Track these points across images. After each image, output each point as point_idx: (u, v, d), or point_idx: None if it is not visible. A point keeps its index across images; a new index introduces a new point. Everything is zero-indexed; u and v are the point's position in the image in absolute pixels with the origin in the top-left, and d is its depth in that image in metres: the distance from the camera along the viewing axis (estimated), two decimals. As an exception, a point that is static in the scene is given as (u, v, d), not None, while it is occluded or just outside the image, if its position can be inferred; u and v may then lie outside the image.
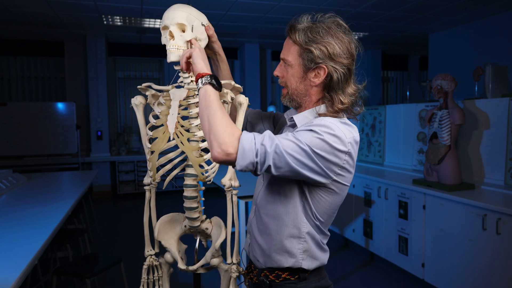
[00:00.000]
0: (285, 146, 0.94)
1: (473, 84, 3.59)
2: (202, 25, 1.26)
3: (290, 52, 1.09)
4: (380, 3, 4.74)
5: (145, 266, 1.42)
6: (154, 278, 1.43)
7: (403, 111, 3.81)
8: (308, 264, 1.12)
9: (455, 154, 2.85)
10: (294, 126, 1.16)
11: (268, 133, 0.96)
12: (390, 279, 3.22)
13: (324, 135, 0.97)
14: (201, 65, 1.07)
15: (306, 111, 1.12)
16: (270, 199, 1.13)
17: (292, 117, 1.15)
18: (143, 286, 1.42)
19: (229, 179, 1.34)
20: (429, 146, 3.00)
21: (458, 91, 3.22)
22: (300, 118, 1.12)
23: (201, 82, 1.03)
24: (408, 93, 4.80)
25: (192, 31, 1.22)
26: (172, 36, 1.21)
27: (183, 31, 1.22)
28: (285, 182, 1.08)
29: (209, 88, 1.01)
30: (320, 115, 1.08)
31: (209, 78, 1.03)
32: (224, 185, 1.34)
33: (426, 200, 2.89)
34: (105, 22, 5.52)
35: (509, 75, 3.33)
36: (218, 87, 1.04)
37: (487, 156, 2.94)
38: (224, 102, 1.35)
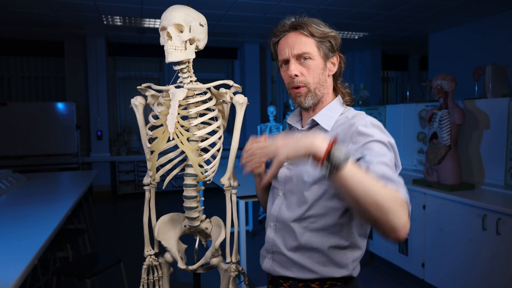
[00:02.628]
0: (397, 179, 0.89)
1: (473, 84, 3.59)
2: (200, 25, 1.26)
3: (308, 45, 1.06)
4: (380, 3, 4.74)
5: (144, 266, 1.42)
6: (154, 278, 1.43)
7: (403, 111, 3.81)
8: (357, 271, 1.07)
9: (455, 154, 2.84)
10: (312, 127, 1.12)
11: (400, 180, 0.88)
12: (390, 279, 3.22)
13: (386, 139, 0.98)
14: (299, 151, 0.81)
15: (325, 108, 1.10)
16: (317, 213, 1.03)
17: (312, 119, 1.09)
18: (143, 286, 1.42)
19: (228, 178, 1.34)
20: (429, 146, 3.00)
21: (458, 91, 3.22)
22: (323, 118, 1.08)
23: (327, 169, 0.78)
24: (408, 93, 4.80)
25: (190, 32, 1.23)
26: (170, 37, 1.21)
27: (181, 32, 1.22)
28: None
29: (344, 169, 0.77)
30: (345, 104, 1.14)
31: (333, 160, 0.77)
32: (223, 185, 1.34)
33: (426, 200, 2.89)
34: (105, 22, 5.52)
35: (509, 75, 3.33)
36: (345, 158, 0.78)
37: (487, 156, 2.93)
38: (224, 102, 1.35)
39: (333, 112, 1.10)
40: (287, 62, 1.09)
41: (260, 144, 0.94)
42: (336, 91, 1.15)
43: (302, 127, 1.17)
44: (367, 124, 0.99)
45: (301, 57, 1.07)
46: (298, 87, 1.08)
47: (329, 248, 1.03)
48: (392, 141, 1.00)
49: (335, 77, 1.14)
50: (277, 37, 1.13)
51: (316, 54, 1.07)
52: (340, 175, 0.77)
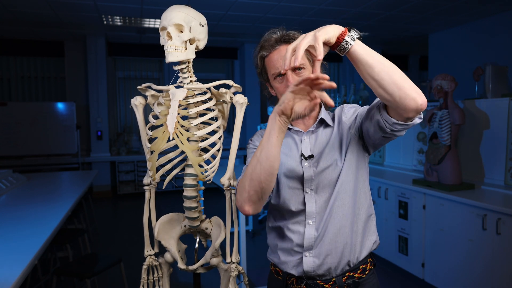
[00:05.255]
0: None
1: (473, 84, 3.59)
2: (201, 25, 1.26)
3: (301, 57, 1.13)
4: (380, 3, 4.74)
5: (144, 266, 1.42)
6: (154, 278, 1.43)
7: (403, 111, 3.80)
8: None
9: (455, 154, 2.84)
10: (320, 125, 1.20)
11: None
12: (390, 279, 3.22)
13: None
14: (330, 29, 0.89)
15: (322, 110, 1.20)
16: (347, 193, 1.14)
17: (321, 118, 1.19)
18: (143, 286, 1.42)
19: (228, 178, 1.34)
20: (429, 146, 3.00)
21: (458, 91, 3.22)
22: (326, 116, 1.20)
23: (351, 38, 0.90)
24: (408, 93, 4.78)
25: (190, 32, 1.23)
26: (170, 37, 1.21)
27: (181, 32, 1.22)
28: (360, 164, 1.17)
29: (361, 43, 0.91)
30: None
31: (355, 33, 0.90)
32: (223, 185, 1.34)
33: (426, 200, 2.89)
34: (105, 22, 5.52)
35: (509, 75, 3.33)
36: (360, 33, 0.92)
37: (487, 156, 2.93)
38: (224, 102, 1.35)
39: (327, 113, 1.22)
40: (281, 74, 1.13)
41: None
42: None
43: (304, 130, 1.20)
44: (350, 104, 1.23)
45: (296, 69, 1.12)
46: None
47: (364, 218, 1.18)
48: None
49: None
50: (267, 51, 1.15)
51: (307, 64, 1.14)
52: (361, 45, 0.91)
